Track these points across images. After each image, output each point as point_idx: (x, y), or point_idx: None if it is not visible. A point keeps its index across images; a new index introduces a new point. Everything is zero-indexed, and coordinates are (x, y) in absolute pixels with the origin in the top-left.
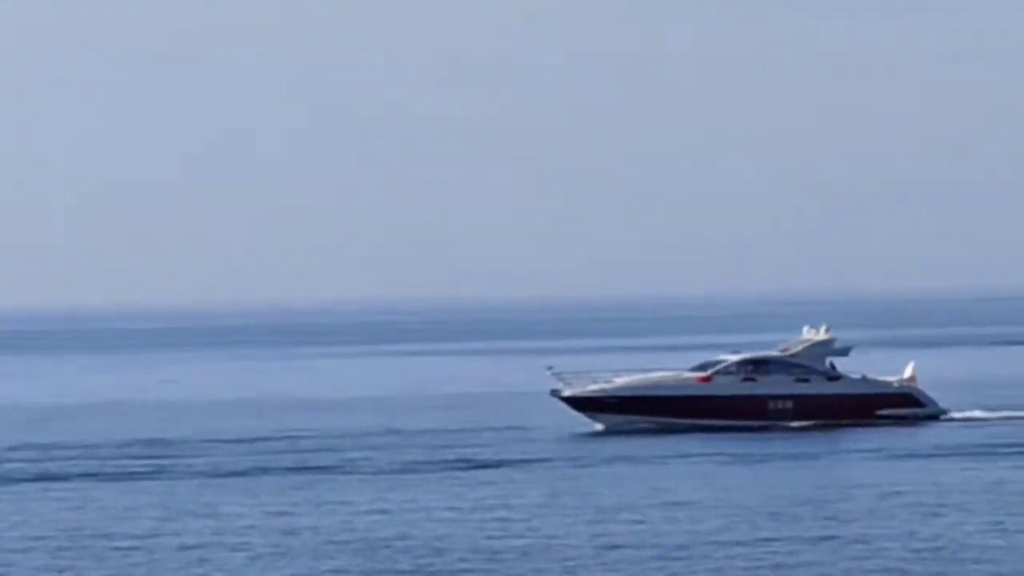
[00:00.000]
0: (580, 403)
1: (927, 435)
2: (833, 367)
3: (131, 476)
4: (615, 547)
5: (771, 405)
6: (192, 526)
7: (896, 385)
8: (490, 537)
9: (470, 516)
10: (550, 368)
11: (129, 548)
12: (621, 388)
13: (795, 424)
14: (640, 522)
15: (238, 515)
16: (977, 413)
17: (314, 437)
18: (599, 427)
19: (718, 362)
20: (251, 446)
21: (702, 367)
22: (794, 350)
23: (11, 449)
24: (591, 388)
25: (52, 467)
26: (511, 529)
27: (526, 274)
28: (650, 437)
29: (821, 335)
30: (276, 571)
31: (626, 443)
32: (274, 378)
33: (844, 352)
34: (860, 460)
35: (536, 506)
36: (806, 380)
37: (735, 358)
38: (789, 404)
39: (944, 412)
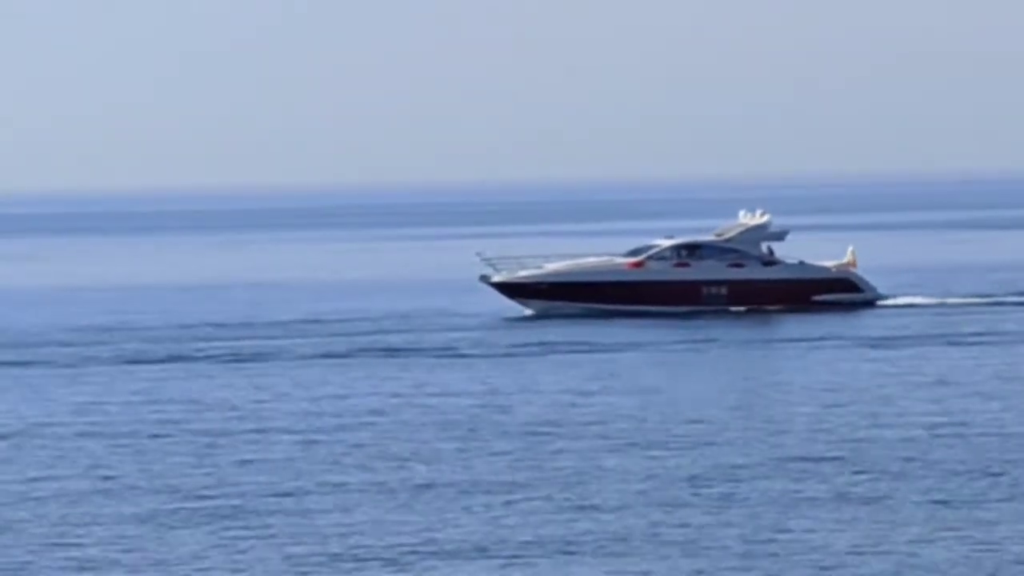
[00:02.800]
0: (510, 289)
1: (860, 321)
2: (771, 252)
3: None
4: (541, 428)
5: (705, 290)
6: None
7: (833, 270)
8: (424, 416)
9: (398, 400)
10: (479, 254)
11: None
12: (552, 274)
13: (730, 309)
14: (572, 405)
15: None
16: (916, 299)
17: (237, 324)
18: (529, 312)
19: (651, 247)
20: (183, 331)
21: (635, 252)
22: (729, 235)
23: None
24: (521, 274)
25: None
26: (440, 411)
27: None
28: (582, 323)
29: (757, 219)
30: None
31: (556, 329)
32: (195, 264)
33: (780, 236)
34: (789, 346)
35: (466, 391)
36: (741, 265)
37: (668, 243)
38: (723, 289)
39: (882, 298)
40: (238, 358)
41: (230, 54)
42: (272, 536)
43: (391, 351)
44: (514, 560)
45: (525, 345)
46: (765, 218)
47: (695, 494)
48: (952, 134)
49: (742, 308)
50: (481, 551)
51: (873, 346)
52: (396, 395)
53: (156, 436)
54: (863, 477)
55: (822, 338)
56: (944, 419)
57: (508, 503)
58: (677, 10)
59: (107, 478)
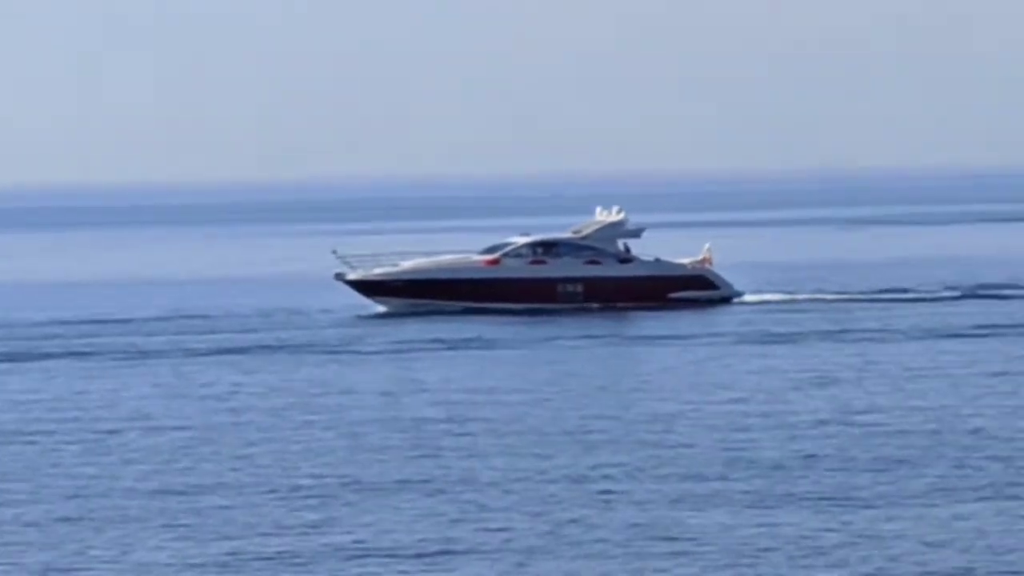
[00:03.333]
0: (366, 287)
1: (713, 318)
2: (627, 249)
3: None
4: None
5: (560, 288)
6: None
7: (689, 267)
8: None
9: (250, 399)
10: (335, 251)
11: None
12: (407, 272)
13: (586, 307)
14: (422, 403)
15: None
16: (772, 296)
17: (97, 321)
18: (383, 310)
19: (507, 244)
20: (34, 330)
21: (491, 250)
22: (586, 232)
23: None
24: (377, 272)
25: None
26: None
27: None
28: (437, 321)
29: (613, 216)
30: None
31: (411, 326)
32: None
33: (636, 234)
34: (641, 343)
35: (317, 388)
36: (597, 262)
37: (524, 240)
38: (579, 287)
39: (738, 295)
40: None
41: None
42: (155, 535)
43: (244, 350)
44: (392, 560)
45: (381, 343)
46: (621, 215)
47: (575, 492)
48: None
49: (598, 305)
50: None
51: (731, 343)
52: (239, 391)
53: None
54: (747, 472)
55: (679, 335)
56: (791, 414)
57: (373, 503)
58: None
59: None
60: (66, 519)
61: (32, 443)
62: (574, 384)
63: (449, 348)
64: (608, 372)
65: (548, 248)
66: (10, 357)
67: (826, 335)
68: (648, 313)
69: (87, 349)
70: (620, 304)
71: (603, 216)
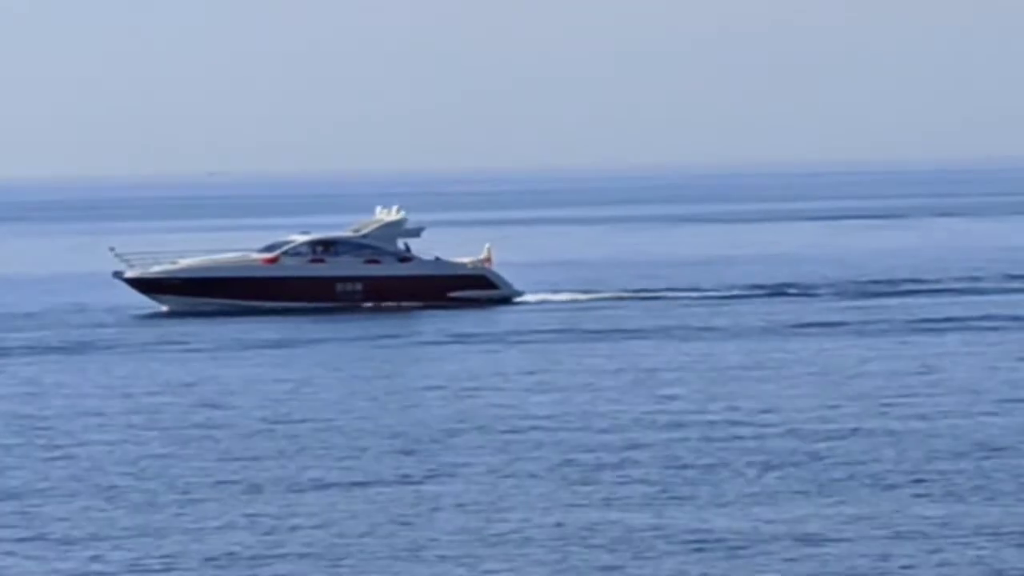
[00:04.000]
0: (144, 285)
1: (493, 317)
2: (408, 248)
3: None
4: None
5: (340, 287)
6: None
7: (469, 267)
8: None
9: (26, 398)
10: (112, 249)
11: None
12: (185, 270)
13: (365, 306)
14: (209, 404)
15: None
16: (551, 296)
17: None
18: (164, 309)
19: (286, 243)
20: None
21: (270, 248)
22: (365, 230)
23: None
24: (155, 270)
25: None
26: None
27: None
28: (214, 320)
29: (393, 215)
30: None
31: (187, 325)
32: None
33: (416, 233)
34: (422, 343)
35: (95, 386)
36: (376, 261)
37: (303, 238)
38: (359, 286)
39: (518, 294)
40: None
41: None
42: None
43: (23, 349)
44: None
45: (158, 343)
46: (401, 214)
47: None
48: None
49: (377, 304)
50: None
51: (505, 343)
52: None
53: None
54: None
55: (458, 335)
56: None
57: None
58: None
59: None
60: None
61: None
62: (336, 381)
63: (219, 347)
64: (374, 371)
65: (327, 247)
66: None
67: (600, 334)
68: (426, 312)
69: None
70: (399, 303)
71: (383, 215)
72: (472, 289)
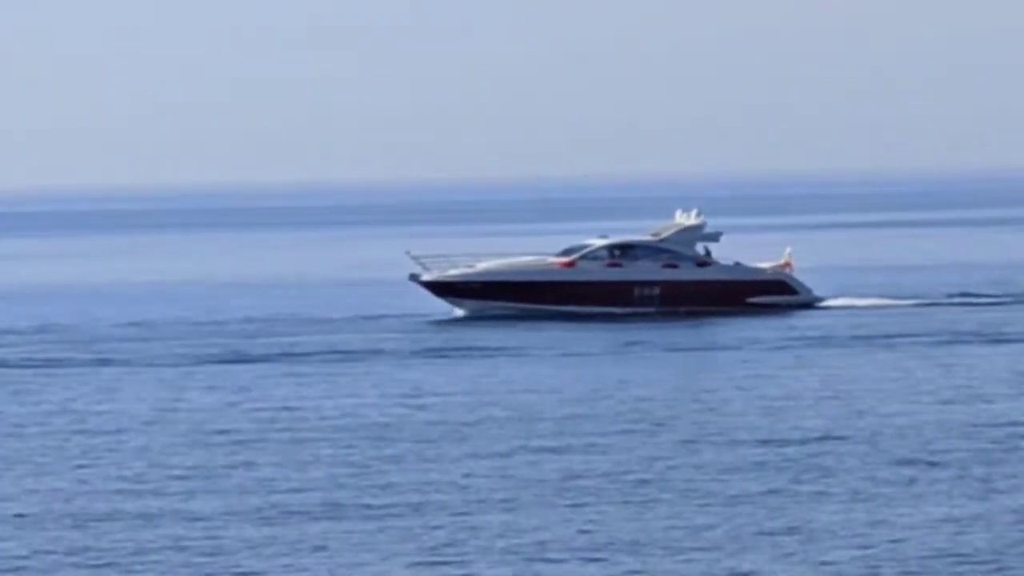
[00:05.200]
0: (440, 288)
1: (793, 323)
2: (708, 253)
3: None
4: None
5: (637, 291)
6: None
7: (769, 272)
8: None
9: (340, 401)
10: (409, 252)
11: None
12: (483, 273)
13: (662, 311)
14: (491, 404)
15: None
16: (852, 301)
17: (170, 324)
18: (460, 313)
19: (584, 247)
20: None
21: (568, 252)
22: (664, 235)
23: None
24: (452, 273)
25: None
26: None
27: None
28: (512, 324)
29: (692, 220)
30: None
31: (487, 330)
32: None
33: (715, 237)
34: (721, 349)
35: (391, 393)
36: (674, 266)
37: (601, 242)
38: (656, 290)
39: (819, 300)
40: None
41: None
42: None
43: (331, 353)
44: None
45: (456, 347)
46: (700, 219)
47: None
48: (924, 133)
49: (674, 309)
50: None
51: (809, 348)
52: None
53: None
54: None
55: (757, 341)
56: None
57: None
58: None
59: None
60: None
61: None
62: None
63: (522, 353)
64: (684, 376)
65: (625, 250)
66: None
67: (909, 339)
68: (725, 318)
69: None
70: (697, 308)
71: (682, 219)
72: (771, 294)
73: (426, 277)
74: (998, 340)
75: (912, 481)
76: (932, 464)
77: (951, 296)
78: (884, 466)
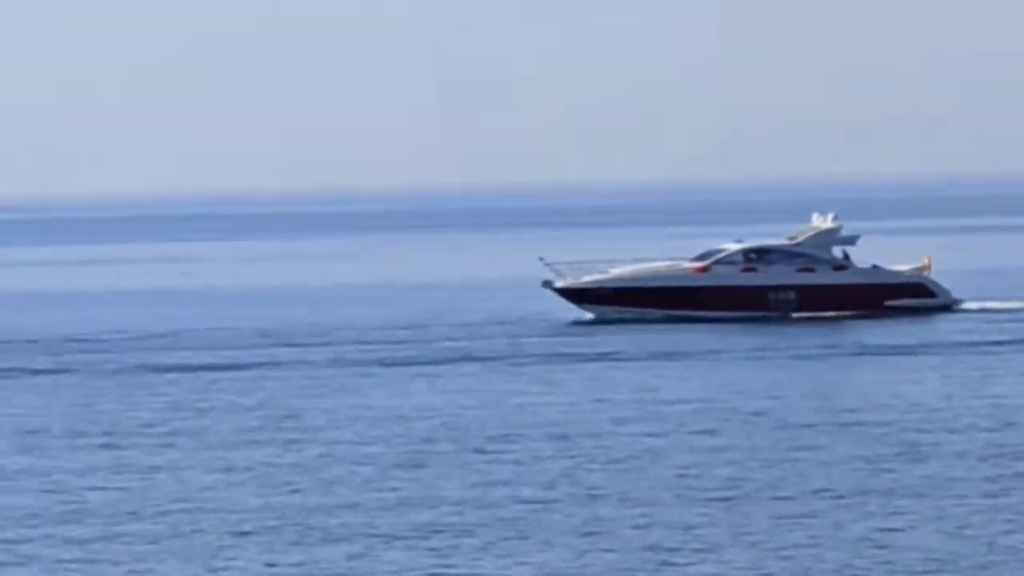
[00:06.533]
0: (574, 295)
1: (936, 327)
2: (846, 256)
3: None
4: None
5: (772, 296)
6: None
7: (907, 275)
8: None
9: (475, 405)
10: (542, 259)
11: None
12: (616, 279)
13: (798, 315)
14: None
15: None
16: (992, 304)
17: (302, 331)
18: (590, 317)
19: (719, 251)
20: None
21: (702, 257)
22: (800, 238)
23: None
24: (585, 279)
25: None
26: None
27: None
28: (647, 329)
29: (828, 223)
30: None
31: (622, 335)
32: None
33: (851, 241)
34: (862, 353)
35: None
36: (810, 270)
37: (736, 247)
38: (792, 295)
39: (957, 302)
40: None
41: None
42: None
43: (464, 359)
44: None
45: (592, 352)
46: (836, 222)
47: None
48: None
49: (811, 314)
50: None
51: (952, 352)
52: (465, 404)
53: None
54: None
55: (899, 346)
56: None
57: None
58: None
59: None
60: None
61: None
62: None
63: (660, 358)
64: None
65: (760, 255)
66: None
67: None
68: (862, 322)
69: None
70: (834, 312)
71: (819, 223)
72: (910, 297)
73: (560, 283)
74: None
75: None
76: None
77: None
78: None
